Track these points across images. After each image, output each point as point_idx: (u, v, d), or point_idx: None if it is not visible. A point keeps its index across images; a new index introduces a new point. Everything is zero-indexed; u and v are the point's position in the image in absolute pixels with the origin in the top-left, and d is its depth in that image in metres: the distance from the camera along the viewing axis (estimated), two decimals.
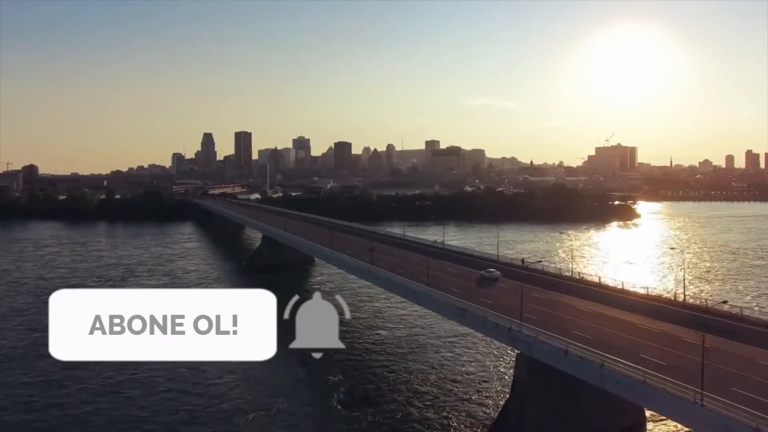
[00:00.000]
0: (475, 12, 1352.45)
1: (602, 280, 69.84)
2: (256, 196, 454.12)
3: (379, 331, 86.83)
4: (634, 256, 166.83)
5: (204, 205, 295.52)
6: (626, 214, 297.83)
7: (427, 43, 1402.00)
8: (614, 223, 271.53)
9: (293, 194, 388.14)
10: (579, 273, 74.54)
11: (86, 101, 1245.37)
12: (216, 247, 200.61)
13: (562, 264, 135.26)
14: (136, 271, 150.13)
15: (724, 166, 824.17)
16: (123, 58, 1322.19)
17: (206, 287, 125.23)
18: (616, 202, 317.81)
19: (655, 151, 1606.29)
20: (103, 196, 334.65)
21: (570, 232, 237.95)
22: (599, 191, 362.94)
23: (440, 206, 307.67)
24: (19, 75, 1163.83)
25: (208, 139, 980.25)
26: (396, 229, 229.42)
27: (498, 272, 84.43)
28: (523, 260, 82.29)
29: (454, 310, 57.16)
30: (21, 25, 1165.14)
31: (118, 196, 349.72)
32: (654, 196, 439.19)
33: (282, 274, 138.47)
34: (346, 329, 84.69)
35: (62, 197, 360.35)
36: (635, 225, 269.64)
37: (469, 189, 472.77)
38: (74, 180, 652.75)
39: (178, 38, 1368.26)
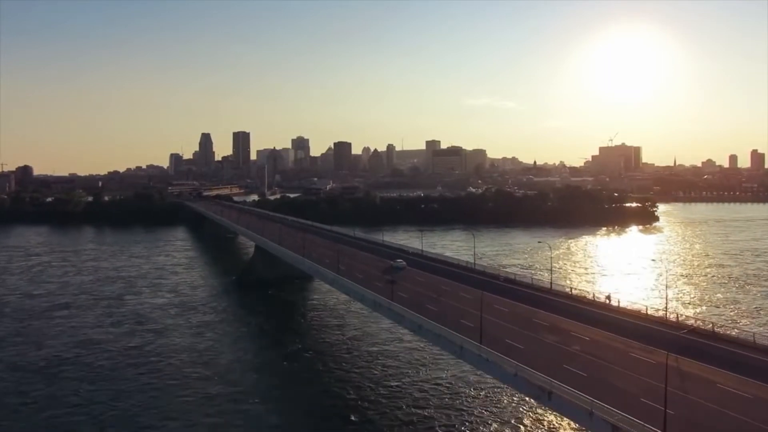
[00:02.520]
0: (475, 12, 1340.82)
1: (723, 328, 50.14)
2: (254, 197, 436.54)
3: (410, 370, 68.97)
4: (697, 270, 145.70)
5: (195, 208, 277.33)
6: (644, 217, 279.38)
7: (427, 43, 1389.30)
8: (634, 227, 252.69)
9: (291, 196, 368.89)
10: (689, 318, 55.19)
11: (85, 102, 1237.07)
12: (207, 256, 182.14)
13: (625, 288, 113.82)
14: (135, 286, 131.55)
15: (727, 165, 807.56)
16: (122, 58, 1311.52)
17: (182, 312, 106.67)
18: (634, 204, 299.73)
19: (656, 151, 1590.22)
20: (90, 199, 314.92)
21: (599, 236, 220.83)
22: (614, 192, 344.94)
23: (446, 209, 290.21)
24: (18, 75, 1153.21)
25: (206, 140, 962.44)
26: (401, 235, 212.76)
27: (404, 262, 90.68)
28: (609, 297, 63.55)
29: (531, 388, 38.86)
30: (21, 26, 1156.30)
31: (107, 198, 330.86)
32: (664, 197, 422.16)
33: (277, 292, 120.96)
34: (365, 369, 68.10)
35: (49, 200, 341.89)
36: (658, 230, 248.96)
37: (473, 190, 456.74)
38: (69, 181, 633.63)
39: (176, 38, 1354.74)
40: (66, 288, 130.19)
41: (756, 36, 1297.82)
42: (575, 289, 71.28)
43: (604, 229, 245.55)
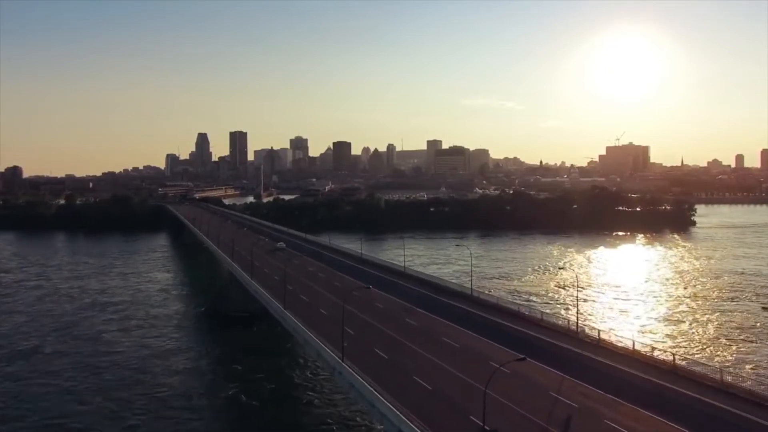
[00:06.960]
0: (474, 12, 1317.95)
1: None
2: (249, 199, 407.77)
3: None
4: None
5: (174, 213, 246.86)
6: (680, 222, 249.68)
7: (427, 43, 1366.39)
8: (674, 235, 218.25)
9: (287, 198, 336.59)
10: None
11: (83, 102, 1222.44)
12: (181, 273, 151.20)
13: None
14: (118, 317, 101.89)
15: (733, 165, 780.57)
16: (120, 59, 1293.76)
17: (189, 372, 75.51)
18: (668, 207, 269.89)
19: (660, 151, 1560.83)
20: (62, 202, 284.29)
21: (647, 246, 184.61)
22: (630, 194, 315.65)
23: (457, 212, 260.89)
24: (16, 75, 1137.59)
25: (202, 140, 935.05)
26: (410, 242, 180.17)
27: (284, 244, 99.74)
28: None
29: None
30: (19, 27, 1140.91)
31: (83, 199, 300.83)
32: (687, 198, 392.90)
33: (255, 333, 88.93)
34: None
35: (20, 202, 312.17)
36: (708, 237, 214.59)
37: (479, 191, 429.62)
38: (59, 182, 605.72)
39: (175, 39, 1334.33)
40: (35, 323, 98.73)
41: (756, 36, 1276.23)
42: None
43: (641, 236, 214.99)
